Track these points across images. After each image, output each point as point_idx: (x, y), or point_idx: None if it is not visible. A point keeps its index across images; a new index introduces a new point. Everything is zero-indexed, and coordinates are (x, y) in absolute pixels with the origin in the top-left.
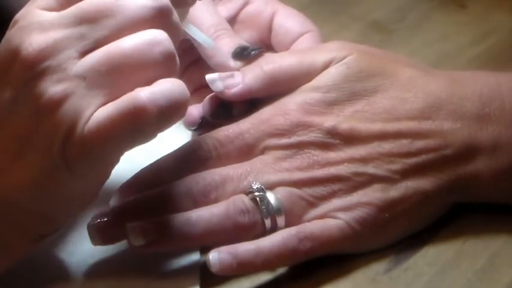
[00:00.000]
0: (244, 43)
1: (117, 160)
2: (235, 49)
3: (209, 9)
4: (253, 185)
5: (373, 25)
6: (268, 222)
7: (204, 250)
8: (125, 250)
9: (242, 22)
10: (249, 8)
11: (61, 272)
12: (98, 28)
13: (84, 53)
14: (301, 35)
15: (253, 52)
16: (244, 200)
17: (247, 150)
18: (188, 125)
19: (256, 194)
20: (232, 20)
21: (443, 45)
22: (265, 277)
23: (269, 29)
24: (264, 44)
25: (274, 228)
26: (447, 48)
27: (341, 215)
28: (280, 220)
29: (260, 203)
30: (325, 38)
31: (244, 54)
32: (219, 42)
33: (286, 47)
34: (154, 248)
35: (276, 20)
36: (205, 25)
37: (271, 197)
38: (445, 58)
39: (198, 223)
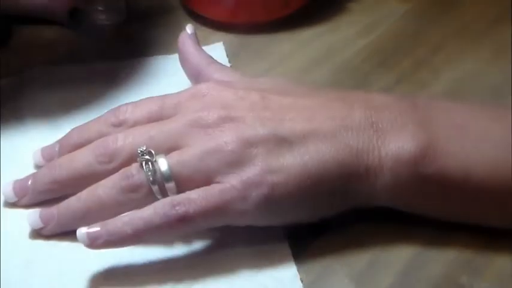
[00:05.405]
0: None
1: None
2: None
3: None
4: (139, 148)
5: None
6: (155, 188)
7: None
8: None
9: None
10: None
11: None
12: None
13: None
14: None
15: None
16: (132, 166)
17: None
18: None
19: (142, 158)
20: None
21: (331, 37)
22: None
23: None
24: None
25: (166, 195)
26: (335, 39)
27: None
28: (170, 186)
29: (145, 166)
30: None
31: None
32: None
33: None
34: (52, 230)
35: None
36: None
37: (162, 162)
38: (332, 50)
39: (86, 201)
